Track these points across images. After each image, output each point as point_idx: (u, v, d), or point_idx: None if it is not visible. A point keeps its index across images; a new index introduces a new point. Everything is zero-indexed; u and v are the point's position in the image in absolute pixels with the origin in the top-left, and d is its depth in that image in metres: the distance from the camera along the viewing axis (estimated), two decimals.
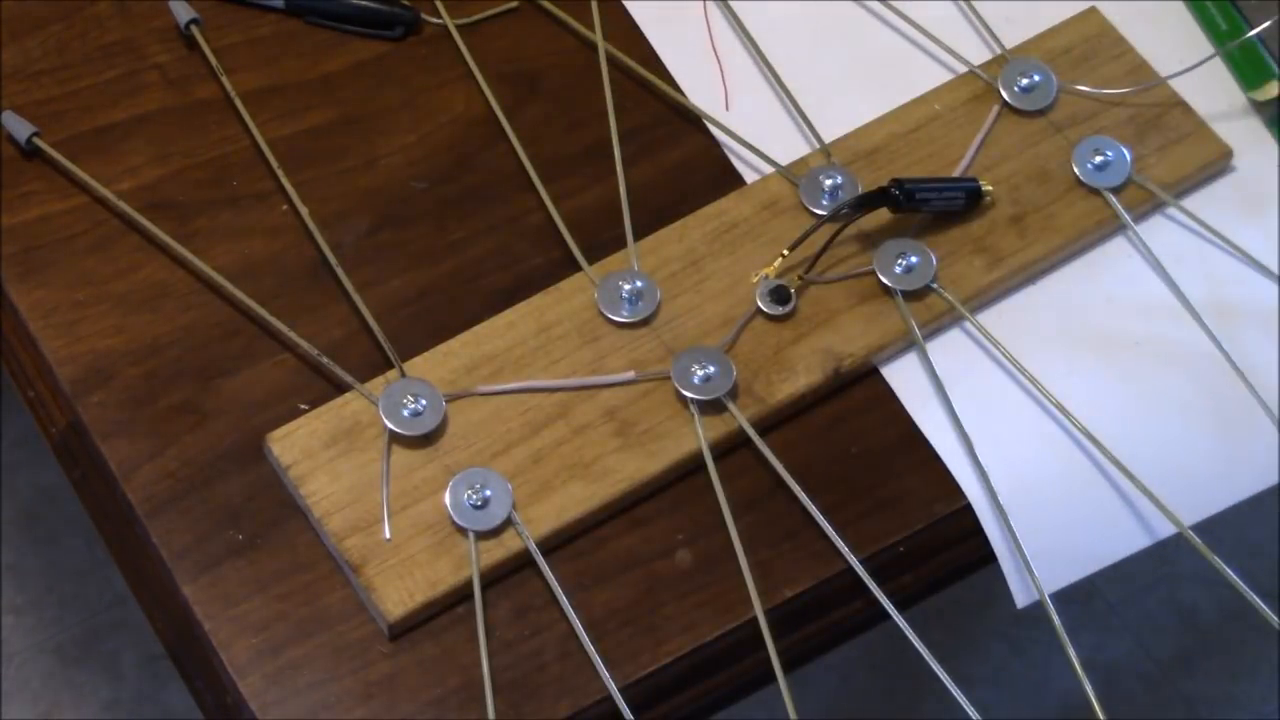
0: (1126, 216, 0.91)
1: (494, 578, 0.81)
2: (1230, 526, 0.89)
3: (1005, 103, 0.93)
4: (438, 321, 0.87)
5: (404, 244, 0.90)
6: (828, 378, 0.86)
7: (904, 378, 0.87)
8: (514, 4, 0.97)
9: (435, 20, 0.96)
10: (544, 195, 0.90)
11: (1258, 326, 0.89)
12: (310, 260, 0.89)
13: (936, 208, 0.89)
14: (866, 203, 0.87)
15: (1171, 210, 0.92)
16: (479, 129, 0.93)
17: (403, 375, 0.84)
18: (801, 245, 0.87)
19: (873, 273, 0.88)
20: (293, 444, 0.83)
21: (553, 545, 0.82)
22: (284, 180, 0.90)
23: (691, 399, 0.84)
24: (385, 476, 0.82)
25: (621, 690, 0.79)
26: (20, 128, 0.90)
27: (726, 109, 0.94)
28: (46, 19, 0.94)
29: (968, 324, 0.88)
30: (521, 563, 0.82)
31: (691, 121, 0.94)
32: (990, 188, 0.90)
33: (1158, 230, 0.92)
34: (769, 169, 0.92)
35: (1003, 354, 0.87)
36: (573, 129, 0.93)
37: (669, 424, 0.84)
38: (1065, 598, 0.82)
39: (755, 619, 0.80)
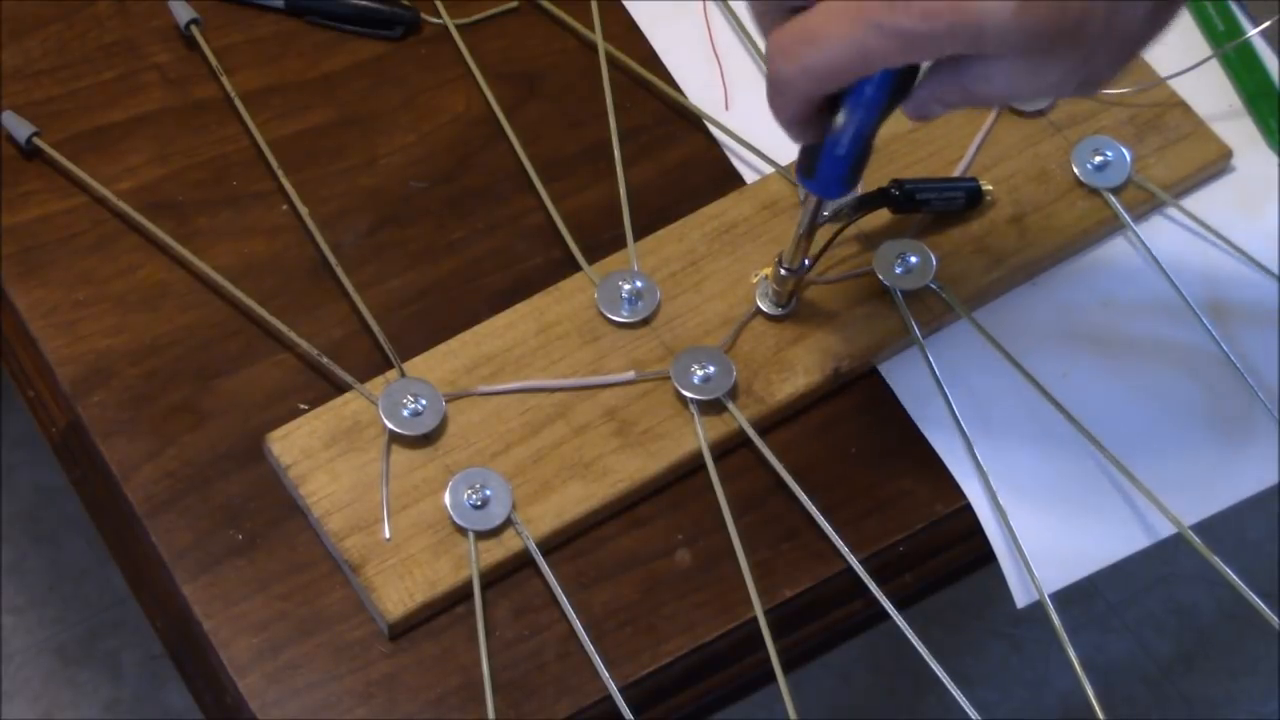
0: (1126, 216, 0.91)
1: (494, 578, 0.81)
2: (1230, 526, 0.89)
3: None
4: (438, 321, 0.87)
5: (404, 244, 0.90)
6: (827, 378, 0.86)
7: (904, 378, 0.87)
8: (514, 4, 0.97)
9: (435, 20, 0.96)
10: (544, 195, 0.90)
11: (1258, 326, 0.89)
12: (310, 260, 0.89)
13: (936, 208, 0.89)
14: (867, 203, 0.87)
15: (1171, 210, 0.92)
16: (479, 129, 0.93)
17: (403, 375, 0.84)
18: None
19: (873, 273, 0.88)
20: (292, 444, 0.83)
21: (552, 545, 0.82)
22: (284, 180, 0.90)
23: (691, 399, 0.84)
24: (385, 476, 0.82)
25: (621, 690, 0.79)
26: (20, 128, 0.90)
27: (726, 109, 0.94)
28: (46, 19, 0.94)
29: (967, 324, 0.88)
30: (521, 563, 0.82)
31: (691, 121, 0.94)
32: (990, 187, 0.90)
33: (1157, 230, 0.92)
34: (769, 169, 0.92)
35: (1003, 354, 0.87)
36: (573, 129, 0.94)
37: (669, 424, 0.84)
38: (1065, 598, 0.82)
39: (755, 619, 0.80)
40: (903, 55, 0.67)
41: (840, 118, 0.72)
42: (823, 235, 0.87)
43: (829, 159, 0.74)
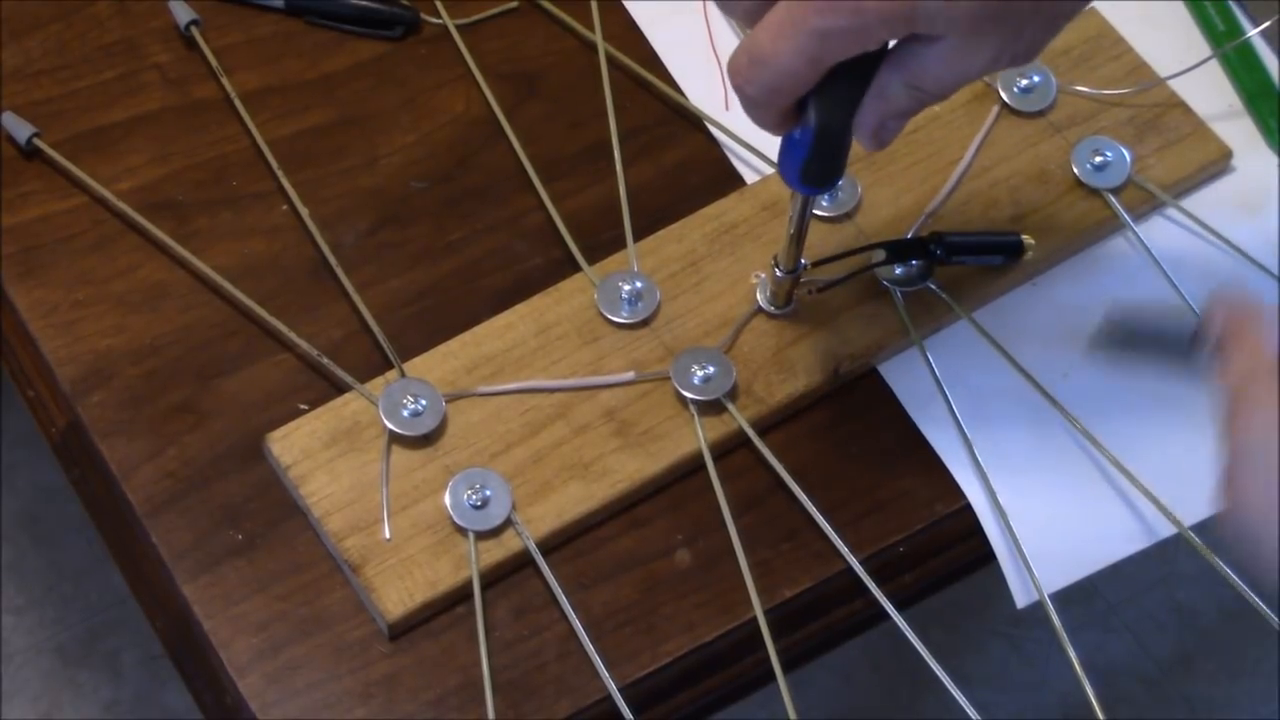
0: (1126, 217, 0.91)
1: (494, 578, 0.81)
2: None
3: (1004, 103, 0.93)
4: (438, 321, 0.87)
5: (404, 244, 0.90)
6: (827, 378, 0.86)
7: (904, 378, 0.87)
8: (514, 4, 0.97)
9: (435, 20, 0.96)
10: (544, 195, 0.90)
11: None
12: (310, 260, 0.89)
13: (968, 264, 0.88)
14: (901, 252, 0.86)
15: (1171, 210, 0.92)
16: (479, 129, 0.93)
17: (402, 375, 0.84)
18: (805, 249, 0.86)
19: (872, 273, 0.88)
20: (292, 444, 0.83)
21: (552, 545, 0.82)
22: (284, 180, 0.90)
23: (691, 399, 0.84)
24: (385, 476, 0.82)
25: (621, 690, 0.79)
26: (20, 128, 0.90)
27: (726, 109, 0.94)
28: (46, 19, 0.94)
29: (967, 324, 0.88)
30: (521, 563, 0.82)
31: (691, 121, 0.94)
32: (1032, 241, 0.89)
33: (1157, 230, 0.92)
34: (769, 169, 0.92)
35: (1002, 354, 0.87)
36: (572, 129, 0.94)
37: (668, 424, 0.84)
38: (1065, 598, 0.82)
39: (755, 619, 0.80)
40: (845, 50, 0.70)
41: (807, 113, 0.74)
42: (845, 265, 0.87)
43: (788, 144, 0.75)
